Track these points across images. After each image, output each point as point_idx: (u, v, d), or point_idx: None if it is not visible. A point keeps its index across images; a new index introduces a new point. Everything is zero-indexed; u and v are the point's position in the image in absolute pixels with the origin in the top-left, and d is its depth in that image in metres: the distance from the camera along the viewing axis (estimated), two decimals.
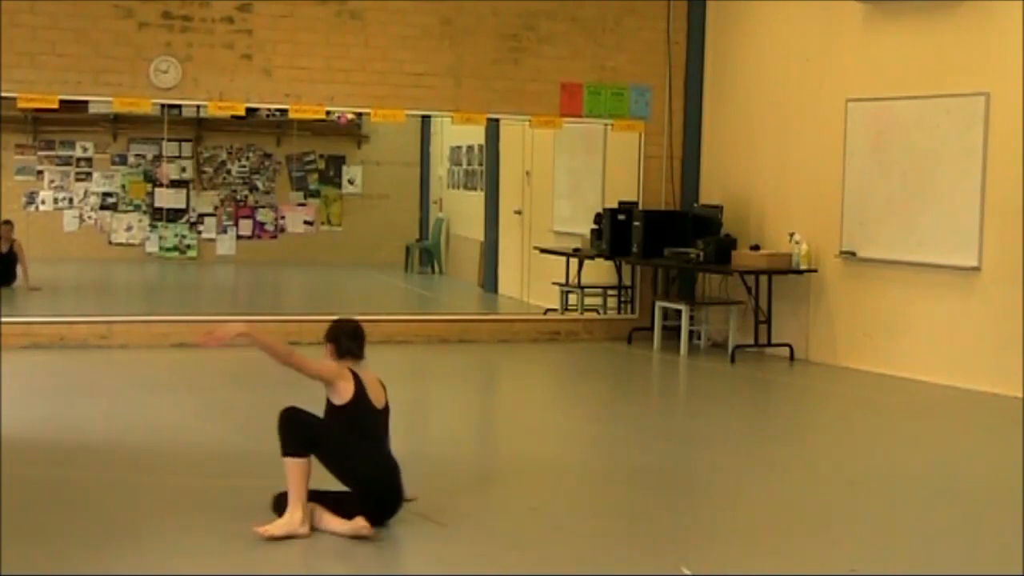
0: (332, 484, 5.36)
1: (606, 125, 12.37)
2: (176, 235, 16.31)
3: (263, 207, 16.78)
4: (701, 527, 5.78)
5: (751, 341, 11.12)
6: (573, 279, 12.68)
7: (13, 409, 7.64)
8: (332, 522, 5.27)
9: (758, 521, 5.82)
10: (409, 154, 17.69)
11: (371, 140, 17.35)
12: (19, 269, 13.04)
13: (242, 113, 11.63)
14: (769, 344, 11.10)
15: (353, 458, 5.36)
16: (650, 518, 5.83)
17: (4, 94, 10.67)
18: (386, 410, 5.57)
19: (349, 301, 14.53)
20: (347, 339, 5.56)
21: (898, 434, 8.18)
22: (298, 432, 5.27)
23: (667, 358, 11.17)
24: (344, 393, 5.39)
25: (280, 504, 5.30)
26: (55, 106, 10.94)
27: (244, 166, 16.82)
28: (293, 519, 5.20)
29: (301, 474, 5.23)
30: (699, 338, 11.79)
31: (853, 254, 10.56)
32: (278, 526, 5.19)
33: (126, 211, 16.27)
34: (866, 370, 10.37)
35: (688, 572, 4.78)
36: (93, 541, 5.13)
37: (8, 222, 13.35)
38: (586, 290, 12.59)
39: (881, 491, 6.40)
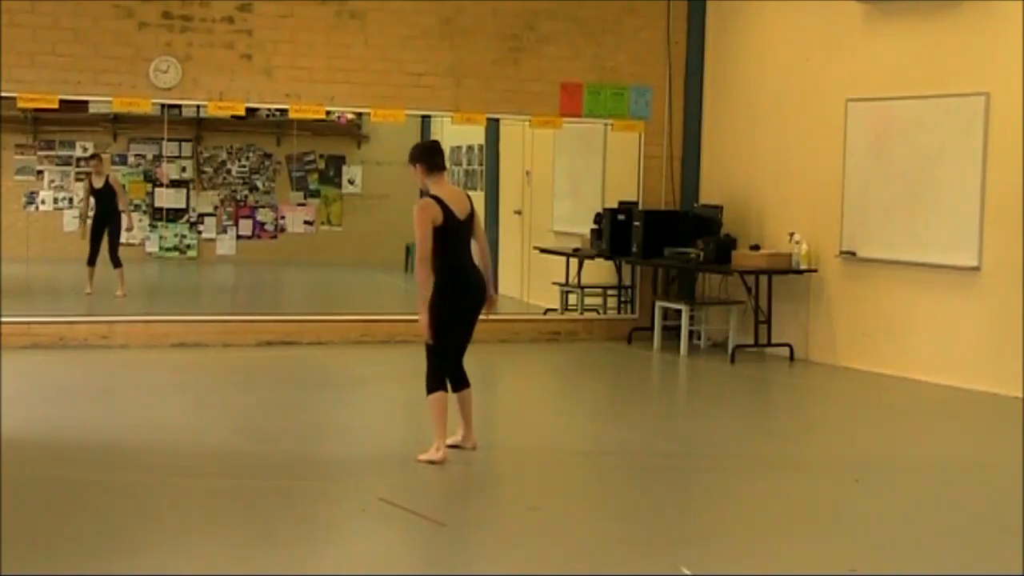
0: None
1: (606, 125, 12.37)
2: (176, 235, 16.29)
3: (263, 207, 16.76)
4: (701, 527, 5.78)
5: (751, 341, 11.12)
6: (573, 279, 12.67)
7: (13, 409, 7.64)
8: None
9: (758, 521, 5.82)
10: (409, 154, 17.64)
11: (371, 140, 17.32)
12: (119, 204, 13.53)
13: (242, 113, 11.64)
14: (769, 344, 11.10)
15: (444, 256, 6.44)
16: (650, 518, 5.83)
17: (4, 94, 10.67)
18: (469, 218, 6.56)
19: (349, 301, 14.53)
20: (431, 156, 6.52)
21: (898, 434, 8.18)
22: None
23: (667, 358, 11.17)
24: (438, 218, 6.40)
25: None
26: (55, 106, 10.94)
27: (244, 166, 16.80)
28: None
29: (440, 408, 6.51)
30: (699, 338, 11.79)
31: (853, 254, 10.56)
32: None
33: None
34: (866, 370, 10.37)
35: (688, 572, 4.78)
36: (93, 541, 5.13)
37: (98, 156, 14.03)
38: (586, 290, 12.59)
39: (881, 491, 6.40)
